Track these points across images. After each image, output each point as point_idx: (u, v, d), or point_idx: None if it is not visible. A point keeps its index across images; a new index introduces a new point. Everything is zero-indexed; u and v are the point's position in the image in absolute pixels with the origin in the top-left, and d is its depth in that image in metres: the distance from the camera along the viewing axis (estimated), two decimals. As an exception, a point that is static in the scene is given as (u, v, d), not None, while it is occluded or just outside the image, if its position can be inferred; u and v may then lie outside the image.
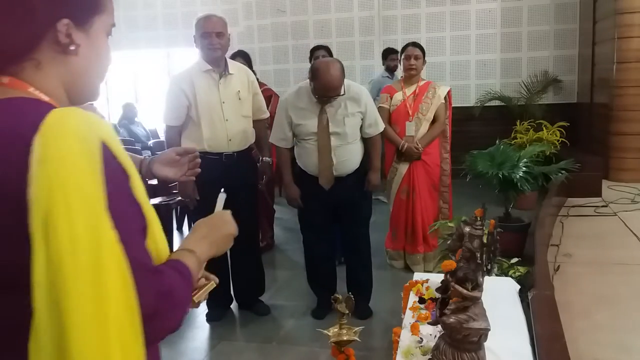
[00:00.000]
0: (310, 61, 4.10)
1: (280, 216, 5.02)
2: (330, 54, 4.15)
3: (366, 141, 3.18)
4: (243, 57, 4.52)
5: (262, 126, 3.37)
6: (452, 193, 4.10)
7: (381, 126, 3.22)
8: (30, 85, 0.75)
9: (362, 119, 3.08)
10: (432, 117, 3.84)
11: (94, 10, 0.80)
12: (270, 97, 4.54)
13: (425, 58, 3.92)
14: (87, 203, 0.65)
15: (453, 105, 4.06)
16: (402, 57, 3.86)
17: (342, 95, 2.95)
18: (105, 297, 0.64)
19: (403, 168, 3.84)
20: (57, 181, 0.63)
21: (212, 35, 2.96)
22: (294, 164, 3.25)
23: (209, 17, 3.02)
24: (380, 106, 3.72)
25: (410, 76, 3.85)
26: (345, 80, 2.99)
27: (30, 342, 0.63)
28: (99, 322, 0.63)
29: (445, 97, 3.90)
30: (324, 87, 2.88)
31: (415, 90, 3.85)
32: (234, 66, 3.17)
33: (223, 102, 3.03)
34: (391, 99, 3.86)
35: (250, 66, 4.64)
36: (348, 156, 3.07)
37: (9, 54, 0.73)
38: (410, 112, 3.81)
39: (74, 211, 0.63)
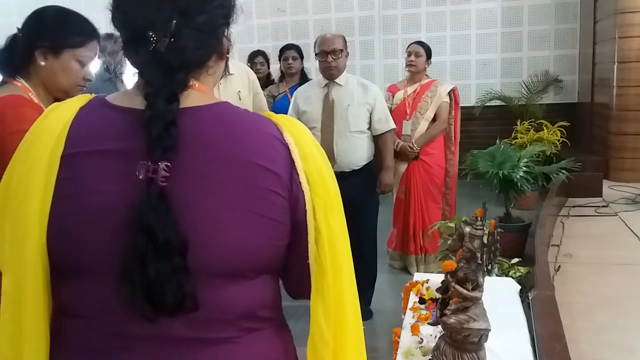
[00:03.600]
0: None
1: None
2: (301, 54, 4.22)
3: (377, 139, 3.16)
4: (263, 56, 4.55)
5: None
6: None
7: (392, 124, 3.20)
8: (207, 88, 0.85)
9: (370, 113, 3.08)
10: (431, 116, 3.80)
11: None
12: None
13: (430, 59, 3.91)
14: (337, 194, 0.84)
15: (454, 105, 4.02)
16: (406, 53, 3.88)
17: (342, 51, 3.01)
18: (350, 260, 0.86)
19: (402, 167, 3.81)
20: (321, 176, 0.81)
21: None
22: None
23: None
24: None
25: (411, 74, 3.85)
26: (357, 77, 3.16)
27: (316, 297, 0.84)
28: (351, 278, 0.86)
29: (450, 96, 3.85)
30: (321, 42, 3.03)
31: (416, 89, 3.83)
32: (235, 66, 3.15)
33: None
34: (393, 97, 3.84)
35: (268, 65, 4.65)
36: (350, 147, 3.03)
37: (198, 62, 0.82)
38: (408, 111, 3.79)
39: (335, 202, 0.83)
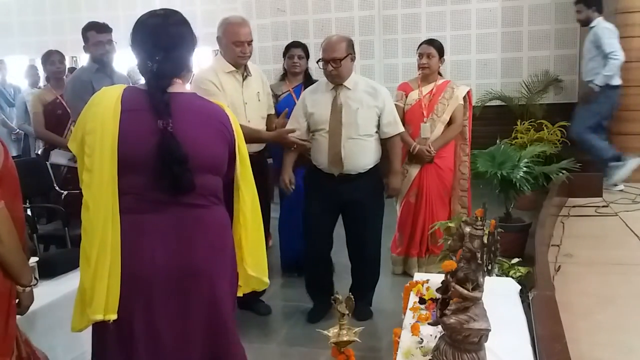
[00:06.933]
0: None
1: (275, 216, 4.97)
2: (307, 53, 3.90)
3: (385, 143, 3.12)
4: None
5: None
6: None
7: (400, 127, 3.15)
8: (183, 84, 1.67)
9: (379, 116, 3.03)
10: (447, 119, 3.66)
11: None
12: None
13: (444, 57, 3.73)
14: (243, 137, 1.73)
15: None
16: (417, 55, 3.71)
17: (344, 58, 2.92)
18: (250, 167, 1.75)
19: (414, 171, 3.70)
20: (240, 130, 1.71)
21: (244, 44, 2.94)
22: (309, 163, 3.21)
23: (242, 24, 2.98)
24: (394, 104, 3.38)
25: (425, 75, 3.69)
26: (366, 78, 3.12)
27: (235, 197, 1.72)
28: (252, 188, 1.76)
29: (465, 98, 3.71)
30: (324, 48, 2.96)
31: (432, 90, 3.68)
32: (252, 67, 3.14)
33: (246, 103, 3.01)
34: (406, 97, 3.72)
35: None
36: (358, 150, 2.99)
37: (176, 74, 1.63)
38: (425, 113, 3.66)
39: (244, 143, 1.72)
